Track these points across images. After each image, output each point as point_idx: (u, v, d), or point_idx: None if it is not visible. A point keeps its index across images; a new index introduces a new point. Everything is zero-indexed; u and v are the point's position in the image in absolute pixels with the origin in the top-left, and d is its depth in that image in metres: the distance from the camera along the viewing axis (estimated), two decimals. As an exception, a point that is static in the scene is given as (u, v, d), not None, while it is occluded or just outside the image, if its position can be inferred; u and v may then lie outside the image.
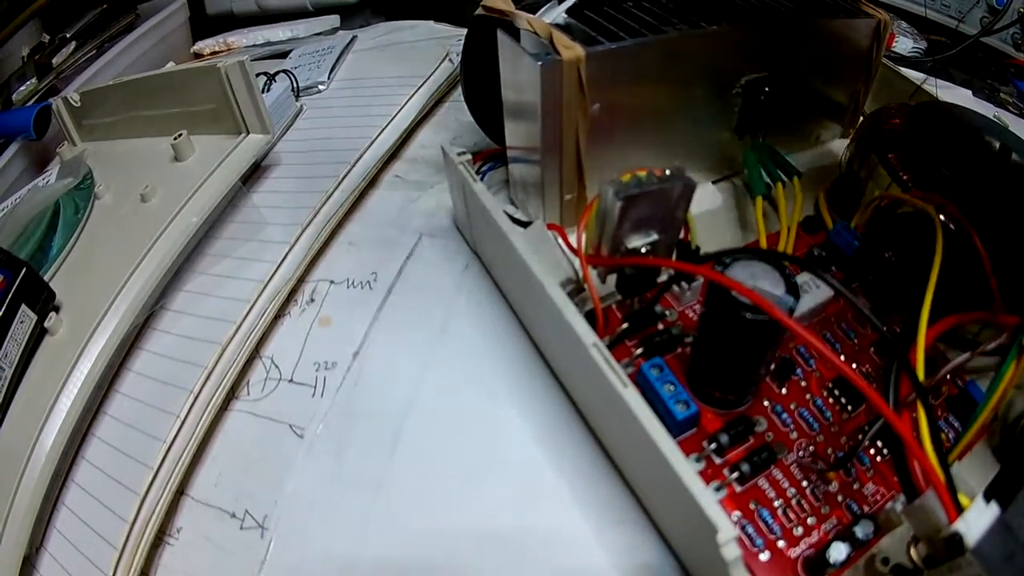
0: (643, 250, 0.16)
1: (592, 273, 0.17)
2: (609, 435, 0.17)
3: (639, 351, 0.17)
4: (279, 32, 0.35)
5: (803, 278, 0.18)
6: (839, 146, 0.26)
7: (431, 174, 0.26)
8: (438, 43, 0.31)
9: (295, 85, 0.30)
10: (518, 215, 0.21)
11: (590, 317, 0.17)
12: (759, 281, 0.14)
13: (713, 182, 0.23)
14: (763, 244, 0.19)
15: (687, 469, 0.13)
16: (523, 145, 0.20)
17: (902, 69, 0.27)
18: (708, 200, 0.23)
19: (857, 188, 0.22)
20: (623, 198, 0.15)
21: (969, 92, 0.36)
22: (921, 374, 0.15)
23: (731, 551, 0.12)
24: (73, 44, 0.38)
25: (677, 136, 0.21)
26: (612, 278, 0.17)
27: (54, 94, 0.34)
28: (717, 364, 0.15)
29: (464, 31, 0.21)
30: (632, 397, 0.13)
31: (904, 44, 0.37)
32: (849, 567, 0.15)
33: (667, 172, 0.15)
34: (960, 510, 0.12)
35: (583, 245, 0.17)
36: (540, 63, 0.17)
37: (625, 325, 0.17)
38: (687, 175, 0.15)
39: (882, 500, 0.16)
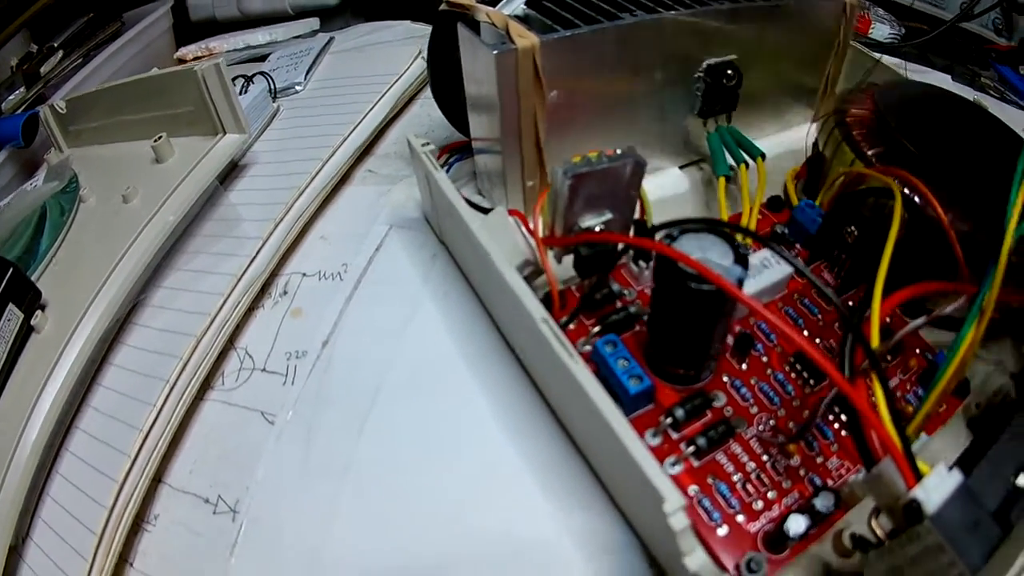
0: (597, 229, 0.16)
1: (550, 256, 0.17)
2: (568, 415, 0.17)
3: (596, 329, 0.17)
4: (259, 36, 0.36)
5: (763, 255, 0.18)
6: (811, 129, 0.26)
7: (402, 167, 0.26)
8: (414, 42, 0.32)
9: (272, 86, 0.30)
10: (484, 204, 0.22)
11: (549, 300, 0.17)
12: (708, 252, 0.14)
13: (680, 167, 0.24)
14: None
15: (632, 437, 0.13)
16: (485, 135, 0.21)
17: (874, 53, 0.27)
18: (674, 185, 0.23)
19: (824, 168, 0.22)
20: (571, 176, 0.15)
21: (948, 77, 0.36)
22: (876, 342, 0.15)
23: (678, 521, 0.12)
24: (60, 53, 0.39)
25: (640, 121, 0.22)
26: (571, 260, 0.17)
27: (42, 102, 0.35)
28: (670, 337, 0.15)
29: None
30: (579, 369, 0.14)
31: (881, 30, 0.37)
32: (814, 542, 0.15)
33: (618, 152, 0.16)
34: (919, 477, 0.12)
35: (540, 228, 0.17)
36: (495, 52, 0.17)
37: (581, 304, 0.17)
38: (638, 154, 0.16)
39: (846, 473, 0.16)
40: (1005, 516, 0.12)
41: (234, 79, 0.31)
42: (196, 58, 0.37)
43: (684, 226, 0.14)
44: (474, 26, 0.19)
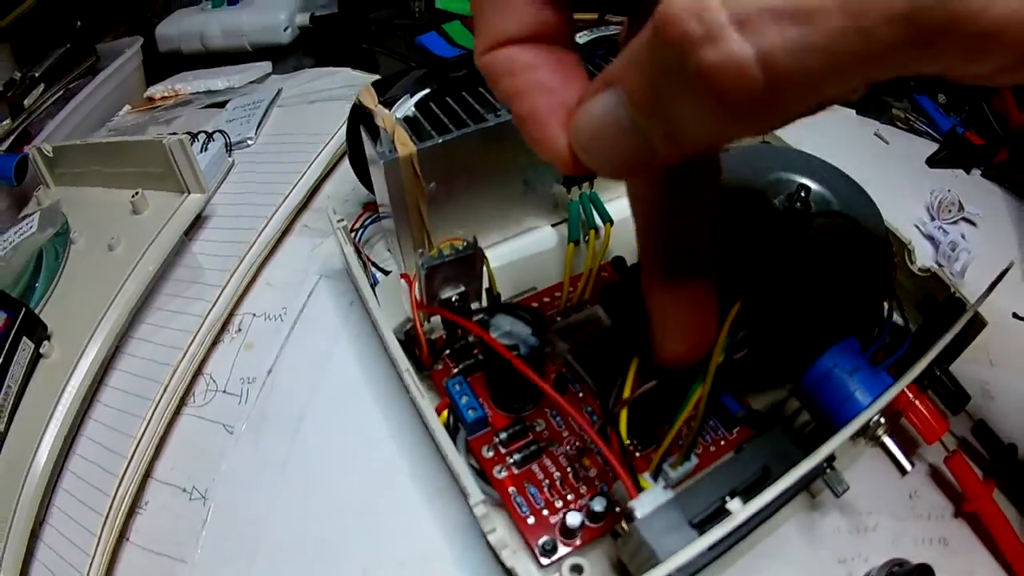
0: (453, 299, 0.22)
1: (425, 315, 0.23)
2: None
3: (456, 370, 0.23)
4: (218, 82, 0.40)
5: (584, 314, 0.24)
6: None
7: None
8: (351, 91, 0.36)
9: (228, 142, 0.35)
10: (389, 261, 0.27)
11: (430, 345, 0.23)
12: (515, 326, 0.20)
13: (553, 225, 0.29)
14: (566, 284, 0.25)
15: (452, 451, 0.19)
16: (385, 209, 0.26)
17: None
18: (546, 241, 0.29)
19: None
20: (425, 268, 0.21)
21: (853, 111, 0.39)
22: (627, 393, 0.20)
23: (480, 510, 0.18)
24: (42, 85, 0.44)
25: (512, 194, 0.27)
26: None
27: (27, 135, 0.39)
28: (494, 382, 0.22)
29: (376, 77, 0.26)
30: (426, 405, 0.20)
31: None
32: (601, 534, 0.20)
33: (466, 242, 0.22)
34: (640, 492, 0.17)
35: (414, 296, 0.23)
36: (382, 161, 0.23)
37: (448, 351, 0.23)
38: (478, 246, 0.22)
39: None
40: (703, 526, 0.16)
41: (197, 134, 0.36)
42: (163, 97, 0.42)
43: (499, 306, 0.21)
44: (374, 127, 0.25)
